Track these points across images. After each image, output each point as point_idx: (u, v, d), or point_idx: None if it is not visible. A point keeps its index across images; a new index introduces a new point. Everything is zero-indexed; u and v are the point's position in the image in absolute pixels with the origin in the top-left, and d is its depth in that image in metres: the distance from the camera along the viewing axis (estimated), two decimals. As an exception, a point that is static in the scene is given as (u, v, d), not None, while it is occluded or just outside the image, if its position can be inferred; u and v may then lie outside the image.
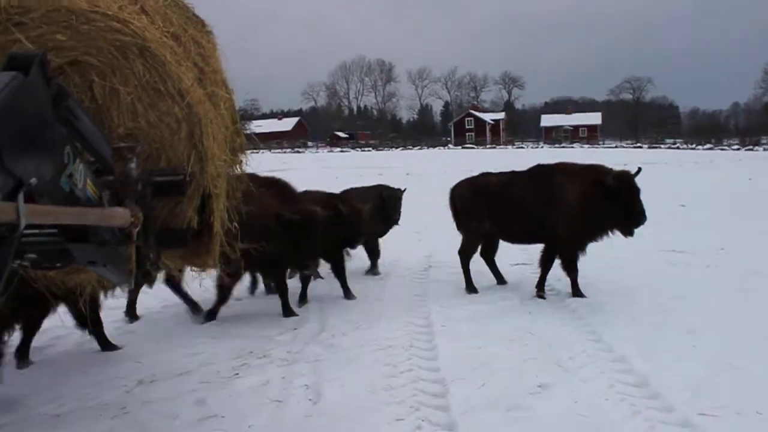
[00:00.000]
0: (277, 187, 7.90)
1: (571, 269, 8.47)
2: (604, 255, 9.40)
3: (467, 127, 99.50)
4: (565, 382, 5.48)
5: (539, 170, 8.93)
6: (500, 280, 9.27)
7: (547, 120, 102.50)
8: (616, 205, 8.13)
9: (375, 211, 10.01)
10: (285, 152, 70.90)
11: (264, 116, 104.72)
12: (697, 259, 10.63)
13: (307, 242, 7.53)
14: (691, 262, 10.42)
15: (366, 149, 79.12)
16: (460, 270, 9.02)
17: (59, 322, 6.47)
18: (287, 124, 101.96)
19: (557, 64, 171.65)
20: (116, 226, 3.23)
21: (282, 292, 8.00)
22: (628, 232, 8.37)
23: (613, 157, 34.92)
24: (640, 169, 8.30)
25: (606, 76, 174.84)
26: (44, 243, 3.06)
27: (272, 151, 71.69)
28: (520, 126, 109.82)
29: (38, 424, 4.99)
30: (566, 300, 8.29)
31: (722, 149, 64.57)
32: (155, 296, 8.14)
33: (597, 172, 8.49)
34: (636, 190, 8.14)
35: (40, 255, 3.22)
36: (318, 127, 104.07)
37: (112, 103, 4.01)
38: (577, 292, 8.43)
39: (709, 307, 7.68)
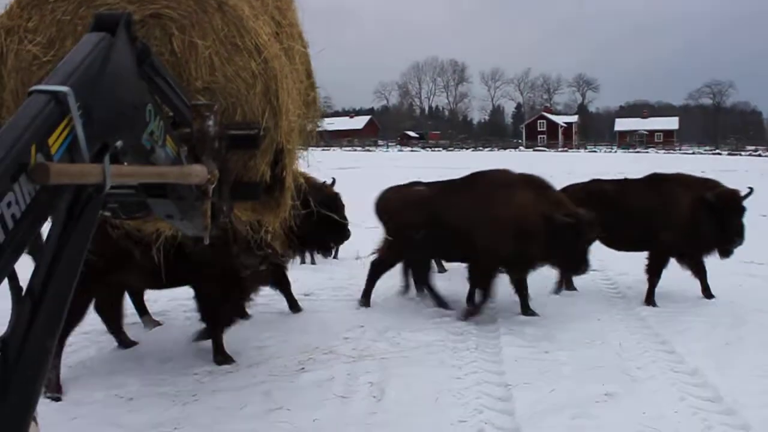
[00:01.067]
0: (535, 185, 7.64)
1: (654, 274, 8.39)
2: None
3: (539, 129, 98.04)
4: (632, 392, 5.38)
5: (656, 178, 8.95)
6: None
7: (622, 124, 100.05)
8: (716, 222, 8.06)
9: None
10: (356, 150, 71.33)
11: (336, 114, 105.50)
12: (778, 272, 10.22)
13: (576, 246, 7.26)
14: (771, 275, 10.03)
15: (436, 149, 78.95)
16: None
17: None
18: (359, 122, 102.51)
19: (633, 67, 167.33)
20: (193, 183, 3.28)
21: (523, 291, 7.90)
22: (724, 251, 8.34)
23: (690, 163, 33.87)
24: (751, 190, 8.23)
25: (685, 79, 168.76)
26: (125, 196, 3.20)
27: (343, 148, 72.27)
28: (594, 129, 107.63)
29: (113, 406, 5.22)
30: (636, 308, 8.11)
31: (808, 158, 61.67)
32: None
33: (709, 186, 8.47)
34: (738, 211, 8.05)
35: (121, 206, 3.39)
36: (389, 126, 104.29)
37: (190, 57, 4.03)
38: (650, 300, 8.29)
39: (790, 322, 7.37)
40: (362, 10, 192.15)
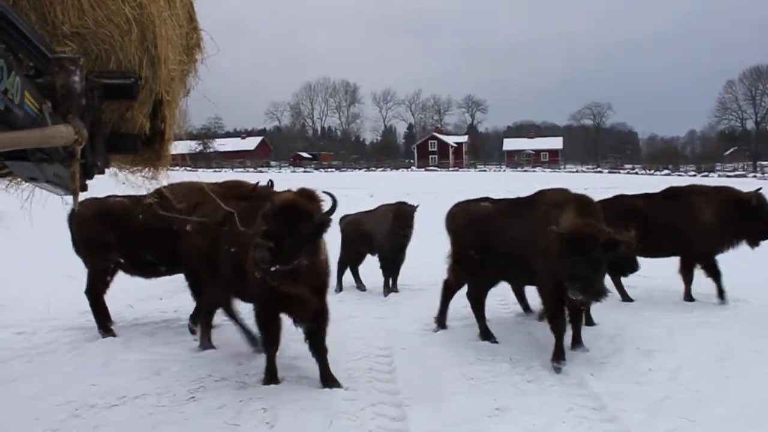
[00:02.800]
0: (578, 204, 6.97)
1: (687, 275, 9.53)
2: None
3: (431, 149, 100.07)
4: (522, 405, 5.51)
5: (674, 191, 9.92)
6: None
7: (510, 144, 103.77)
8: (753, 220, 9.18)
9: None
10: (248, 171, 70.39)
11: (228, 134, 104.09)
12: None
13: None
14: None
15: (329, 170, 79.08)
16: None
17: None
18: (251, 143, 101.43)
19: (520, 89, 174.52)
20: (59, 146, 2.99)
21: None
22: (755, 243, 9.42)
23: (575, 181, 35.43)
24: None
25: (568, 101, 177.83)
26: None
27: (235, 170, 71.20)
28: (483, 149, 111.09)
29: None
30: (526, 323, 8.33)
31: (679, 175, 65.74)
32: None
33: (730, 192, 9.64)
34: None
35: None
36: (281, 147, 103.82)
37: None
38: (689, 296, 9.51)
39: None
40: (254, 27, 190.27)
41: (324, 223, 5.52)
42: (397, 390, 5.92)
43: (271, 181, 7.95)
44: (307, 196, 5.70)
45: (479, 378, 6.26)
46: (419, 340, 7.59)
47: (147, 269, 8.29)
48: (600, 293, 6.50)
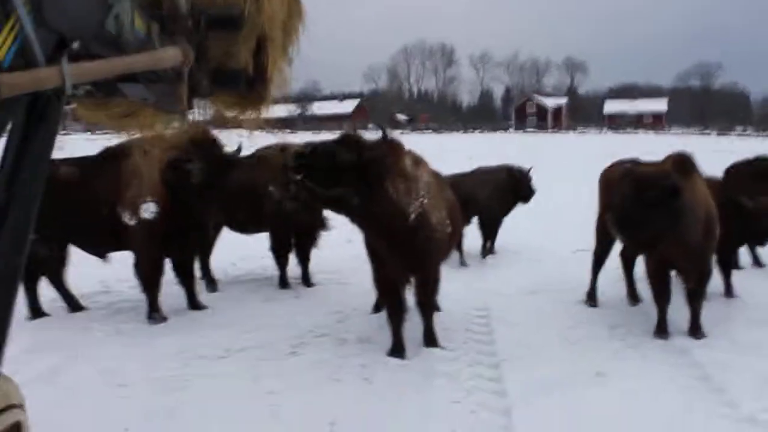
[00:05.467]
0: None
1: None
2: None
3: (528, 111, 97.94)
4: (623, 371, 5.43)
5: None
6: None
7: (611, 106, 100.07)
8: None
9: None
10: (346, 134, 71.04)
11: (325, 98, 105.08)
12: None
13: None
14: None
15: (426, 131, 78.76)
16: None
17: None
18: (348, 106, 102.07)
19: (622, 49, 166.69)
20: (167, 67, 3.09)
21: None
22: None
23: (681, 145, 33.96)
24: None
25: (673, 61, 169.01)
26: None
27: (333, 132, 72.00)
28: (583, 112, 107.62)
29: (105, 393, 5.20)
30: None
31: (796, 137, 61.84)
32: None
33: None
34: None
35: (94, 86, 3.11)
36: (379, 110, 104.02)
37: None
38: None
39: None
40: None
41: (369, 158, 5.24)
42: (494, 351, 5.94)
43: None
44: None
45: (577, 342, 6.20)
46: (517, 303, 7.55)
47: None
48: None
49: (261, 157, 8.40)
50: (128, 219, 7.04)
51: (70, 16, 2.13)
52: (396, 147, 5.64)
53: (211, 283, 8.54)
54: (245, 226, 8.81)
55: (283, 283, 8.54)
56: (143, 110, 4.14)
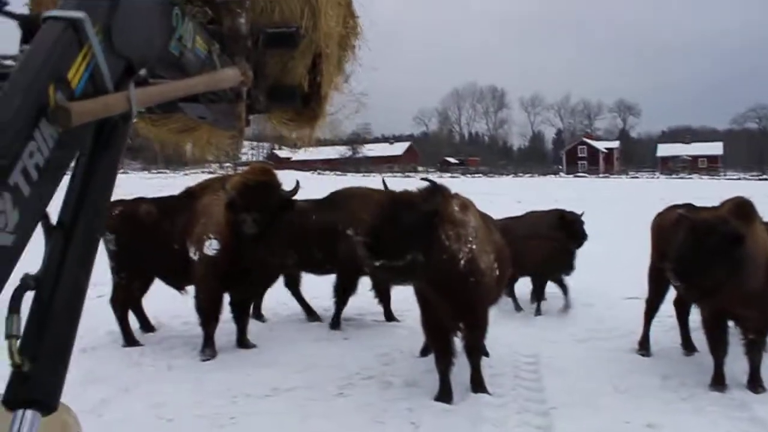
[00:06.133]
0: None
1: None
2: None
3: (579, 155, 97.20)
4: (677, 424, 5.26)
5: None
6: None
7: (664, 149, 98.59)
8: None
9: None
10: (395, 176, 71.53)
11: (376, 140, 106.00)
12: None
13: None
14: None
15: (476, 175, 78.71)
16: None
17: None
18: (398, 148, 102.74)
19: (676, 91, 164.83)
20: (226, 88, 3.14)
21: None
22: None
23: (736, 190, 33.19)
24: None
25: (728, 104, 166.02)
26: None
27: (383, 174, 72.45)
28: (635, 155, 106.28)
29: (153, 426, 5.25)
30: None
31: None
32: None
33: None
34: None
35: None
36: (429, 153, 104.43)
37: None
38: None
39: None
40: (401, 34, 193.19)
41: (430, 212, 5.26)
42: (543, 399, 5.84)
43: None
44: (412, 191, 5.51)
45: (629, 392, 6.04)
46: (567, 349, 7.41)
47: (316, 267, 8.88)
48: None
49: (335, 199, 8.64)
50: (193, 254, 7.32)
51: (137, 41, 2.20)
52: (445, 193, 5.65)
53: (259, 319, 8.72)
54: (321, 266, 8.82)
55: (335, 324, 8.57)
56: (201, 126, 4.26)
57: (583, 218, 10.32)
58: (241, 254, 7.10)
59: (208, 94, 3.15)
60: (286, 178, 7.52)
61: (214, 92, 3.17)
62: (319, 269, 8.91)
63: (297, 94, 4.30)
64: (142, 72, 2.28)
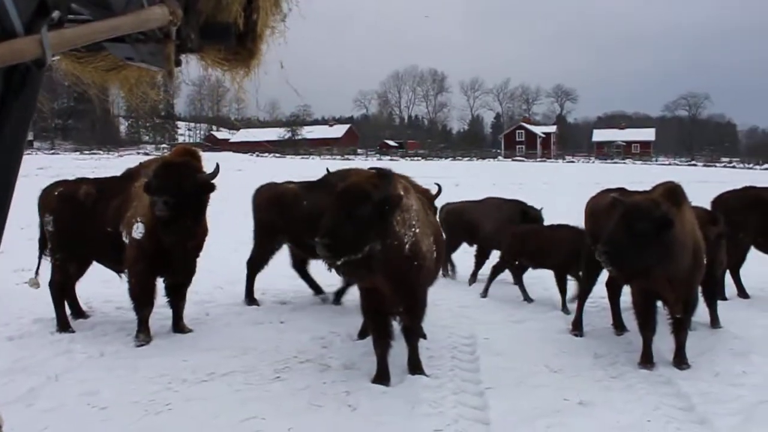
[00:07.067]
0: None
1: None
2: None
3: (518, 139, 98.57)
4: (607, 401, 5.41)
5: None
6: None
7: (600, 135, 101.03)
8: None
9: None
10: (335, 159, 71.27)
11: (315, 122, 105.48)
12: None
13: None
14: None
15: (415, 158, 79.06)
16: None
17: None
18: (338, 131, 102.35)
19: (612, 79, 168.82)
20: (154, 27, 2.94)
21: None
22: None
23: (667, 175, 34.26)
24: None
25: (661, 91, 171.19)
26: None
27: (322, 157, 72.16)
28: (572, 140, 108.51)
29: (85, 414, 5.15)
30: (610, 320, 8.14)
31: (782, 169, 62.45)
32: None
33: None
34: None
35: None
36: (368, 135, 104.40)
37: None
38: None
39: None
40: (351, 16, 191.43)
41: (382, 200, 5.28)
42: (479, 379, 5.92)
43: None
44: (370, 176, 5.56)
45: (562, 371, 6.18)
46: (502, 331, 7.53)
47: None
48: None
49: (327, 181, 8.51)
50: (124, 237, 7.21)
51: None
52: (394, 179, 5.66)
53: None
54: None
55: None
56: (128, 66, 4.07)
57: (542, 213, 10.47)
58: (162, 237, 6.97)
59: (135, 34, 2.99)
60: (223, 160, 7.40)
61: (142, 32, 3.00)
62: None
63: (232, 32, 4.10)
64: (55, 15, 2.05)
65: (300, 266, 9.27)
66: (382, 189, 5.35)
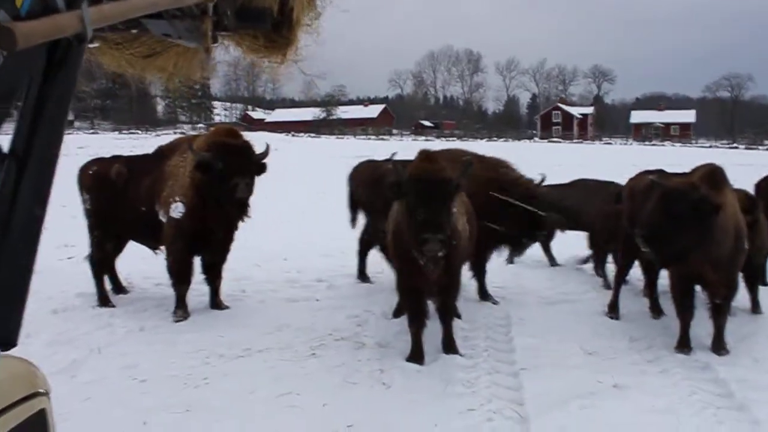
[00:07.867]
0: None
1: None
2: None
3: (554, 120, 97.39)
4: (642, 384, 5.38)
5: None
6: None
7: (638, 116, 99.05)
8: None
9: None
10: (369, 139, 71.15)
11: (351, 102, 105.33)
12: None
13: None
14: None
15: (451, 139, 78.60)
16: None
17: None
18: (373, 111, 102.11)
19: (650, 59, 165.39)
20: (191, 4, 2.96)
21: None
22: None
23: (707, 157, 33.57)
24: None
25: (702, 72, 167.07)
26: None
27: (357, 137, 72.11)
28: (609, 121, 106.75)
29: (125, 387, 5.27)
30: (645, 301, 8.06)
31: (827, 153, 60.70)
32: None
33: None
34: None
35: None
36: (403, 115, 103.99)
37: None
38: None
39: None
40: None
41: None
42: (513, 360, 5.92)
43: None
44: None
45: (597, 353, 6.15)
46: (537, 312, 7.51)
47: None
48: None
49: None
50: (162, 216, 7.29)
51: None
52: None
53: None
54: None
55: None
56: (166, 51, 4.11)
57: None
58: (206, 216, 7.05)
59: (173, 10, 3.02)
60: (259, 140, 7.46)
61: (179, 8, 3.02)
62: None
63: (267, 17, 4.13)
64: None
65: (368, 248, 9.08)
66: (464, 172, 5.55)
